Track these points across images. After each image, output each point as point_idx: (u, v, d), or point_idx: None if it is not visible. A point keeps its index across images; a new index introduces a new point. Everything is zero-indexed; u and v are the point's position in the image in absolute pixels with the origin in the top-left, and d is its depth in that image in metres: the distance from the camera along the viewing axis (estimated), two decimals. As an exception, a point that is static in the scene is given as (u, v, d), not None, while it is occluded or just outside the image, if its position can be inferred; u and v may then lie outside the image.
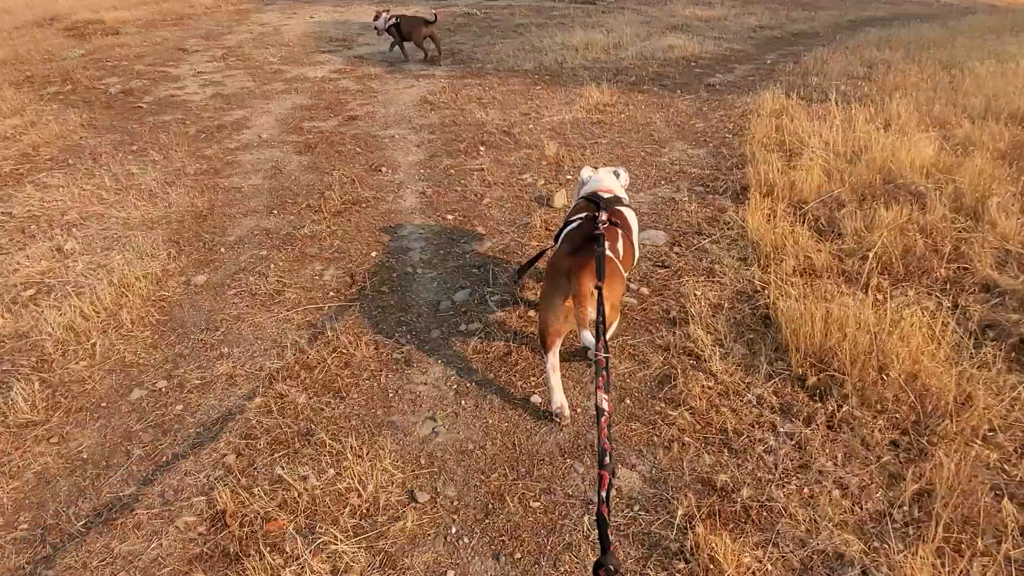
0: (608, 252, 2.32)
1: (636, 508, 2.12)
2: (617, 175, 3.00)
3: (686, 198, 4.24)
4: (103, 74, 7.57)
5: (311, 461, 2.31)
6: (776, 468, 2.22)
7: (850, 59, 7.67)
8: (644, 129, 5.63)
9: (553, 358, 2.41)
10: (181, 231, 3.94)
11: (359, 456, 2.31)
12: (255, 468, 2.29)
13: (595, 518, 1.74)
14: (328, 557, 1.97)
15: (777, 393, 2.53)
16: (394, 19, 7.96)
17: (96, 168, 4.78)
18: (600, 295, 2.09)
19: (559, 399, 2.45)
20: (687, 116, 5.98)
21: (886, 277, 3.15)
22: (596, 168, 3.08)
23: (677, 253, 3.57)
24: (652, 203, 4.20)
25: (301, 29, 10.46)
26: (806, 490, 2.13)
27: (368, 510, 2.13)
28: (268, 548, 1.99)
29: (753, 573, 1.88)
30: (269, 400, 2.60)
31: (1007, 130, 4.78)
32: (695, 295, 3.13)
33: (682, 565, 1.92)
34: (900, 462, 2.21)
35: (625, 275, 2.69)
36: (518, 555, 1.98)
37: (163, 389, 2.69)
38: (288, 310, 3.17)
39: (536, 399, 2.57)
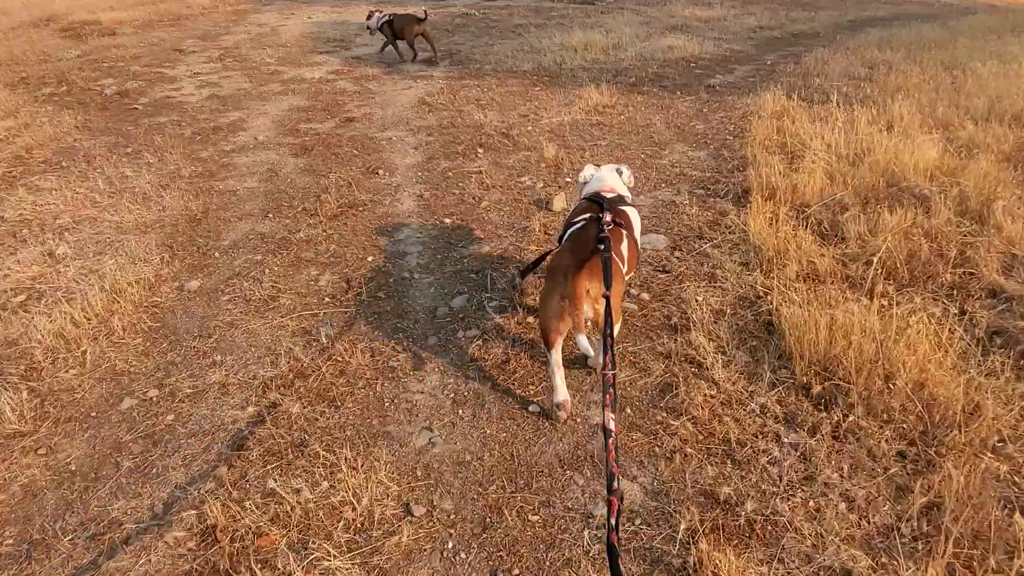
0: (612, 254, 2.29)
1: (638, 522, 2.06)
2: (620, 172, 2.96)
3: (687, 201, 4.19)
4: (99, 75, 7.51)
5: (304, 473, 2.25)
6: (781, 480, 2.17)
7: (851, 60, 7.62)
8: (644, 131, 5.57)
9: (556, 355, 2.39)
10: (175, 235, 3.89)
11: (354, 468, 2.26)
12: (247, 480, 2.24)
13: (605, 547, 1.67)
14: (321, 574, 1.91)
15: (781, 402, 2.48)
16: (387, 17, 7.92)
17: (90, 171, 4.73)
18: (608, 307, 2.04)
19: (561, 395, 2.43)
20: (687, 118, 5.93)
21: (891, 282, 3.09)
22: (599, 166, 3.03)
23: (678, 258, 3.52)
24: (652, 206, 4.14)
25: (299, 30, 10.41)
26: (812, 503, 2.08)
27: (362, 524, 2.07)
28: (259, 564, 1.93)
29: (758, 591, 1.82)
30: (262, 410, 2.55)
31: (1011, 132, 4.73)
32: (696, 301, 3.07)
33: (685, 582, 1.86)
34: (908, 474, 2.16)
35: (628, 277, 2.66)
36: (516, 571, 1.92)
37: (154, 398, 2.64)
38: (283, 316, 3.12)
39: (535, 408, 2.52)
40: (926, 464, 2.18)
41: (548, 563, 1.94)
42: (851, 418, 2.35)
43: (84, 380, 2.74)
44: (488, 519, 2.09)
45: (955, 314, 2.84)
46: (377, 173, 4.77)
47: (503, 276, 3.40)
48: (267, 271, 3.49)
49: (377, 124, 5.88)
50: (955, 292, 3.03)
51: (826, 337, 2.59)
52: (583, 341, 2.19)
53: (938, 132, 4.79)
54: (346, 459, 2.28)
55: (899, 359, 2.46)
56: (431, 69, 7.85)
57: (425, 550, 2.00)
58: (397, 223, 4.02)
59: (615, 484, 1.39)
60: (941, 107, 5.37)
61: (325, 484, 2.20)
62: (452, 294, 3.27)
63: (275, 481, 2.21)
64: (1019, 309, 2.88)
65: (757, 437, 2.33)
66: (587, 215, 2.58)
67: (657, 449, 2.32)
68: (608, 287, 2.10)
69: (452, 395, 2.62)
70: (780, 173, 4.14)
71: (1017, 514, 1.96)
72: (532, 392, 2.61)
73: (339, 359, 2.81)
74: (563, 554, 1.97)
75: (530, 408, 2.52)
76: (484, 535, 2.04)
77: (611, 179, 2.88)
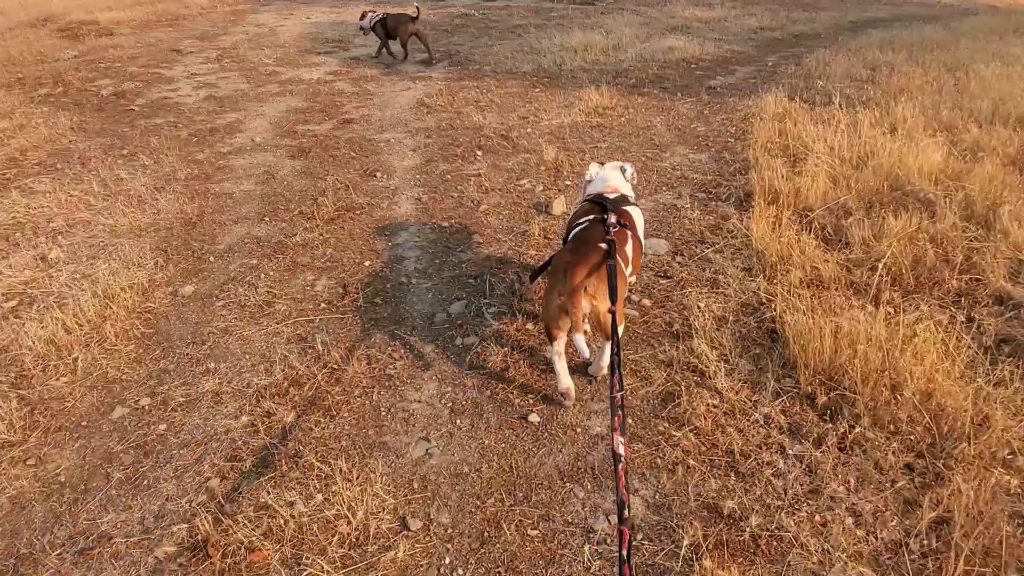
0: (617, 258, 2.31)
1: (640, 537, 2.01)
2: (624, 171, 2.96)
3: (688, 205, 4.14)
4: (95, 76, 7.45)
5: (298, 485, 2.20)
6: (786, 494, 2.12)
7: (853, 61, 7.58)
8: (644, 133, 5.52)
9: (559, 346, 2.40)
10: (169, 239, 3.84)
11: (349, 480, 2.20)
12: (239, 493, 2.19)
13: None
14: (314, 591, 1.86)
15: (785, 412, 2.43)
16: (380, 16, 7.86)
17: (84, 173, 4.67)
18: (613, 321, 2.01)
19: (565, 383, 2.45)
20: (688, 120, 5.88)
21: (896, 289, 3.04)
22: (602, 164, 3.01)
23: (679, 263, 3.46)
24: (653, 210, 4.09)
25: (297, 30, 10.36)
26: (817, 517, 2.03)
27: (358, 539, 2.02)
28: (251, 581, 1.88)
29: (764, 609, 1.77)
30: (256, 419, 2.49)
31: (1016, 135, 4.68)
32: (699, 307, 3.02)
33: (688, 600, 1.82)
34: (916, 487, 2.11)
35: (632, 279, 2.70)
36: (515, 589, 1.88)
37: (146, 407, 2.59)
38: (278, 323, 3.06)
39: (534, 418, 2.47)
40: (935, 477, 2.13)
41: (548, 580, 1.89)
42: (857, 429, 2.29)
43: (75, 388, 2.68)
44: (486, 533, 2.04)
45: (962, 322, 2.79)
46: (375, 176, 4.72)
47: (502, 282, 3.35)
48: (262, 276, 3.44)
49: (375, 126, 5.82)
50: (962, 299, 2.99)
51: (831, 345, 2.54)
52: (580, 341, 2.17)
53: (942, 135, 4.74)
54: (341, 471, 2.23)
55: (906, 368, 2.41)
56: (430, 70, 7.80)
57: (422, 566, 1.95)
58: (395, 227, 3.97)
59: (626, 512, 1.28)
60: (944, 109, 5.32)
61: (319, 497, 2.15)
62: (450, 300, 3.21)
63: (268, 493, 2.16)
64: (1027, 316, 2.83)
65: (761, 448, 2.28)
66: (591, 216, 2.58)
67: (659, 461, 2.27)
68: (613, 301, 2.07)
69: (450, 404, 2.57)
70: (783, 176, 4.09)
71: (1029, 530, 1.91)
72: (531, 401, 2.56)
73: (335, 367, 2.76)
74: (563, 570, 1.92)
75: (530, 418, 2.47)
76: (482, 550, 1.99)
77: (615, 178, 2.90)
